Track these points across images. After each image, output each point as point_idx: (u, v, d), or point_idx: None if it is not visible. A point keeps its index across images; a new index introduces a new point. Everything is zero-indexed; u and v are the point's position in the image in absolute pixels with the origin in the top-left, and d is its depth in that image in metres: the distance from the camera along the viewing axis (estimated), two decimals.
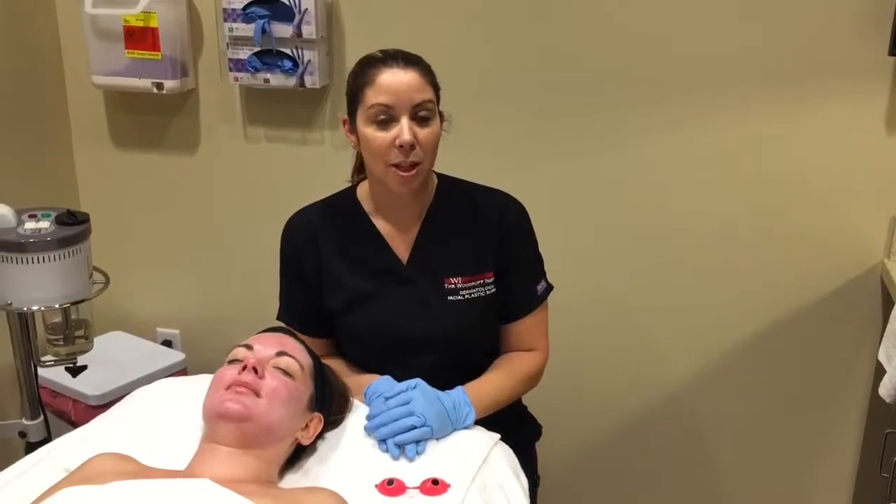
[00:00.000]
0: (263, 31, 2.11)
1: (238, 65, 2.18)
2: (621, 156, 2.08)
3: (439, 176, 1.60)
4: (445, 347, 1.55)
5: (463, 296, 1.54)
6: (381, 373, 1.54)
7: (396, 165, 1.42)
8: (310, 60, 2.12)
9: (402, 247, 1.56)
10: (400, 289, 1.55)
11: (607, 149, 2.08)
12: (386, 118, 1.41)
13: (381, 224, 1.56)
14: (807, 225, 2.02)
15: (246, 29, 2.13)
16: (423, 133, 1.42)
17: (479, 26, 2.07)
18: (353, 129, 1.49)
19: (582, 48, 2.03)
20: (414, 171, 1.43)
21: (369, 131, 1.43)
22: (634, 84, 2.02)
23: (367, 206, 1.57)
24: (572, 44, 2.03)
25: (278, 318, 1.63)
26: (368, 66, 1.45)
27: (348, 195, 1.60)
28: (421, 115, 1.42)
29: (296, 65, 2.13)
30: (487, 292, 1.56)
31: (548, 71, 2.06)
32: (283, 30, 2.10)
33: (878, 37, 1.85)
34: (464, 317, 1.54)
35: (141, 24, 2.19)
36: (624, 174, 2.09)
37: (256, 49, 2.14)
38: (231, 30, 2.14)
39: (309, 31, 2.08)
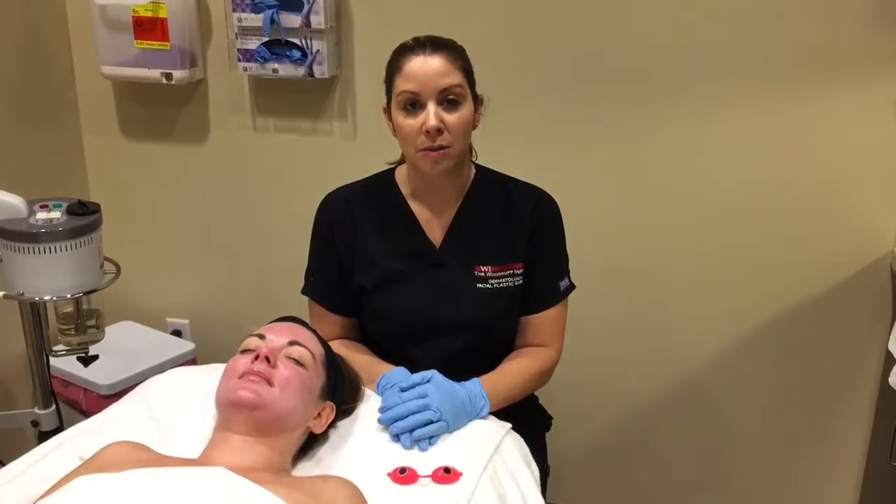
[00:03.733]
0: (272, 21, 2.10)
1: (247, 55, 2.18)
2: (635, 144, 2.08)
3: (477, 167, 1.62)
4: (470, 334, 1.57)
5: (492, 284, 1.56)
6: (403, 354, 1.56)
7: (426, 149, 1.44)
8: (318, 50, 2.12)
9: (436, 231, 1.58)
10: (431, 272, 1.57)
11: (621, 137, 2.08)
12: (414, 105, 1.44)
13: (416, 208, 1.58)
14: (817, 214, 2.02)
15: (255, 19, 2.12)
16: (451, 118, 1.44)
17: (490, 14, 2.06)
18: (390, 116, 1.51)
19: (593, 37, 2.03)
20: (442, 153, 1.45)
21: (400, 118, 1.46)
22: (649, 73, 2.02)
23: (404, 189, 1.59)
24: (582, 31, 2.03)
25: (303, 293, 1.65)
26: (399, 54, 1.48)
27: (386, 177, 1.62)
28: (449, 99, 1.44)
29: (305, 55, 2.13)
30: (516, 283, 1.58)
31: (561, 60, 2.06)
32: (291, 20, 2.10)
33: (890, 25, 1.85)
34: (491, 305, 1.56)
35: (150, 14, 2.19)
36: (638, 163, 2.09)
37: (265, 39, 2.14)
38: (240, 20, 2.14)
39: (318, 20, 2.08)
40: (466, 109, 1.46)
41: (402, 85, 1.44)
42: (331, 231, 1.59)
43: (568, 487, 2.35)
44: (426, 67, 1.43)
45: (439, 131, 1.43)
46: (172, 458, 1.22)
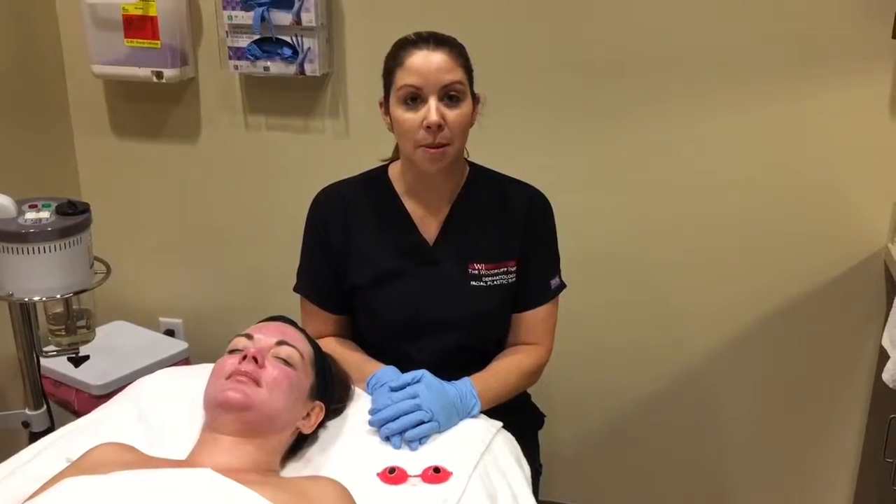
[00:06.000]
0: (263, 18, 2.10)
1: (238, 53, 2.17)
2: (630, 140, 2.07)
3: (471, 164, 1.62)
4: (463, 331, 1.56)
5: (485, 282, 1.56)
6: (396, 351, 1.56)
7: (425, 146, 1.43)
8: (310, 48, 2.11)
9: (430, 229, 1.57)
10: (425, 270, 1.56)
11: (615, 133, 2.08)
12: (414, 99, 1.43)
13: (411, 205, 1.57)
14: (810, 209, 2.01)
15: (245, 17, 2.12)
16: (452, 114, 1.43)
17: (482, 11, 2.05)
18: (387, 110, 1.50)
19: (588, 33, 2.02)
20: (441, 150, 1.44)
21: (399, 112, 1.45)
22: (643, 70, 2.01)
23: (398, 186, 1.58)
24: (577, 27, 2.03)
25: (295, 290, 1.64)
26: (400, 48, 1.47)
27: (380, 174, 1.61)
28: (450, 95, 1.44)
29: (295, 52, 2.12)
30: (509, 280, 1.57)
31: (556, 56, 2.06)
32: (282, 17, 2.09)
33: (883, 19, 1.84)
34: (484, 302, 1.56)
35: (140, 12, 2.18)
36: (632, 159, 2.08)
37: (256, 37, 2.13)
38: (230, 18, 2.13)
39: (308, 18, 2.07)
40: (466, 107, 1.46)
41: (403, 78, 1.43)
42: (324, 228, 1.59)
43: (562, 485, 2.34)
44: (429, 62, 1.42)
45: (440, 127, 1.42)
46: (159, 460, 1.21)
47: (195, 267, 2.50)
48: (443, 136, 1.43)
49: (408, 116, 1.44)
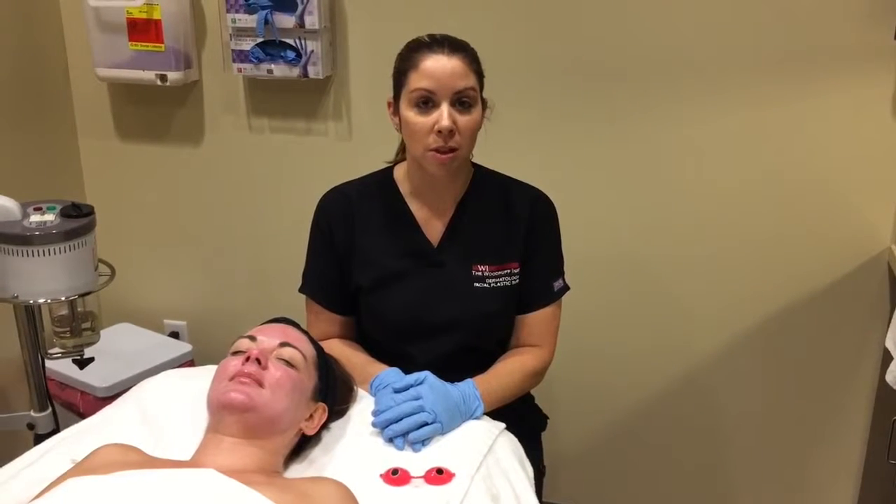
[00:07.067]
0: (266, 21, 2.10)
1: (241, 56, 2.17)
2: (633, 142, 2.07)
3: (475, 166, 1.62)
4: (466, 333, 1.57)
5: (489, 284, 1.56)
6: (399, 353, 1.56)
7: (435, 150, 1.44)
8: (313, 51, 2.12)
9: (434, 231, 1.58)
10: (428, 272, 1.56)
11: (618, 136, 2.07)
12: (427, 103, 1.44)
13: (415, 207, 1.58)
14: (814, 211, 2.01)
15: (249, 20, 2.12)
16: (463, 120, 1.44)
17: (485, 13, 2.06)
18: (396, 111, 1.50)
19: (591, 36, 2.02)
20: (451, 155, 1.45)
21: (410, 115, 1.45)
22: (645, 72, 2.01)
23: (403, 188, 1.59)
24: (579, 30, 2.03)
25: (301, 291, 1.64)
26: (415, 50, 1.47)
27: (386, 176, 1.62)
28: (462, 101, 1.44)
29: (299, 55, 2.13)
30: (512, 282, 1.58)
31: (558, 59, 2.05)
32: (285, 20, 2.10)
33: (885, 20, 1.84)
34: (488, 304, 1.56)
35: (144, 15, 2.19)
36: (635, 161, 2.08)
37: (259, 40, 2.14)
38: (234, 21, 2.14)
39: (312, 21, 2.08)
40: (477, 113, 1.47)
41: (417, 82, 1.43)
42: (329, 229, 1.59)
43: (565, 486, 2.34)
44: (444, 67, 1.42)
45: (451, 132, 1.43)
46: (163, 461, 1.22)
47: (199, 269, 2.50)
48: (453, 140, 1.44)
49: (419, 120, 1.44)
